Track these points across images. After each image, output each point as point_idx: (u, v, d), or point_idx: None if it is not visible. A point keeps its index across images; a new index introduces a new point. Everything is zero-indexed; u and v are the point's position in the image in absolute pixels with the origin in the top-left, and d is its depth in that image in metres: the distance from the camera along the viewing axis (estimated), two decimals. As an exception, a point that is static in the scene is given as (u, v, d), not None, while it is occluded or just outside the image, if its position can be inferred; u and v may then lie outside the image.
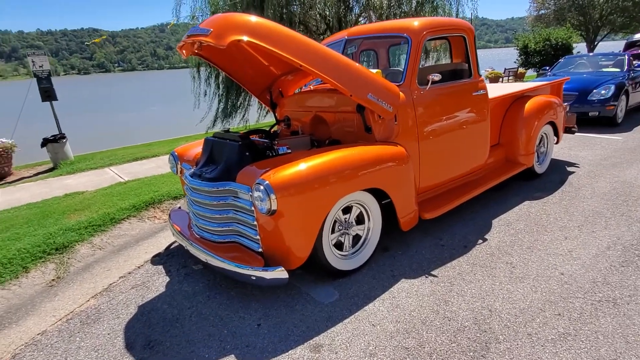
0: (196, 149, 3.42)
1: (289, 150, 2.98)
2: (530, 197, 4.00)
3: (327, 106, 3.36)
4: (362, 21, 11.58)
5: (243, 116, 12.67)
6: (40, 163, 8.19)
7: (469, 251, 3.03)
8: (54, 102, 7.76)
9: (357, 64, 2.93)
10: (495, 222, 3.51)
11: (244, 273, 2.40)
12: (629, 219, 3.36)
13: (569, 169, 4.81)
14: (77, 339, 2.32)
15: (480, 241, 3.18)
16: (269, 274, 2.35)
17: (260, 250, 2.55)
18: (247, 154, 2.73)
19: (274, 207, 2.28)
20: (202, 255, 2.69)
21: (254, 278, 2.39)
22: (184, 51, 2.92)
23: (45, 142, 7.32)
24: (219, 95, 12.92)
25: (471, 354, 2.00)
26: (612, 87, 6.59)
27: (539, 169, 4.52)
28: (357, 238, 2.90)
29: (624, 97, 6.83)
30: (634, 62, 7.64)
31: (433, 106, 3.24)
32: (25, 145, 7.52)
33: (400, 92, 3.02)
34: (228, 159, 2.76)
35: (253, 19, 2.58)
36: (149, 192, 4.75)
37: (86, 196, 4.93)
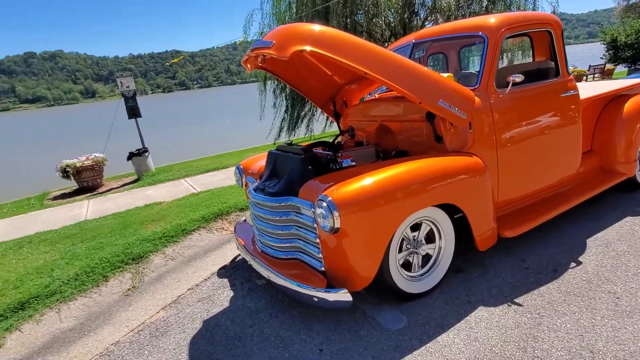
0: (261, 162, 3.42)
1: (353, 163, 2.85)
2: (633, 213, 3.42)
3: (393, 115, 3.17)
4: (428, 25, 11.16)
5: (308, 127, 12.85)
6: (126, 175, 8.97)
7: (559, 276, 2.63)
8: (138, 119, 8.48)
9: (426, 69, 2.72)
10: (590, 242, 3.03)
11: (306, 293, 2.30)
12: None
13: (685, 178, 4.06)
14: (146, 352, 2.38)
15: (573, 264, 2.75)
16: (331, 296, 2.22)
17: (322, 269, 2.44)
18: (310, 167, 2.64)
19: (337, 225, 2.15)
20: (265, 272, 2.64)
21: (316, 299, 2.27)
22: (248, 65, 2.93)
23: (130, 156, 7.99)
24: (285, 106, 13.28)
25: (570, 406, 1.68)
26: None
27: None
28: (426, 258, 2.67)
29: None
30: None
31: (514, 111, 2.90)
32: (112, 158, 8.26)
33: (476, 97, 2.74)
34: (290, 172, 2.70)
35: (316, 28, 2.51)
36: (218, 203, 4.90)
37: (163, 207, 5.23)
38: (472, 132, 2.73)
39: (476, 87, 2.82)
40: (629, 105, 3.65)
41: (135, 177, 8.26)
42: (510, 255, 2.97)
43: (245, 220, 3.75)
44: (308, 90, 3.67)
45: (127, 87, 8.19)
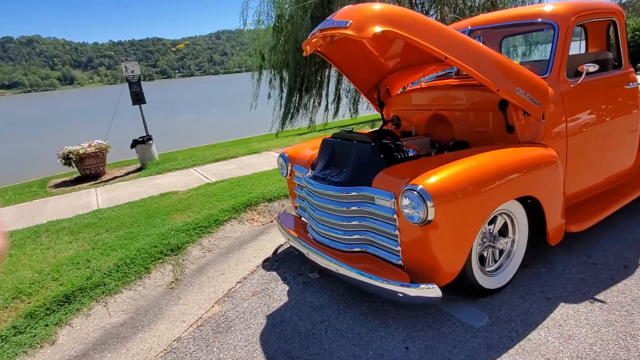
0: (308, 150, 3.26)
1: (418, 153, 2.73)
2: (685, 209, 3.41)
3: (452, 103, 3.05)
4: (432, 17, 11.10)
5: (311, 118, 12.66)
6: (127, 162, 8.63)
7: (633, 272, 2.58)
8: (138, 106, 8.12)
9: (501, 55, 2.61)
10: (652, 237, 3.00)
11: (390, 289, 2.16)
12: None
13: None
14: (215, 349, 2.22)
15: (642, 260, 2.71)
16: (420, 292, 2.10)
17: (399, 262, 2.31)
18: (382, 156, 2.50)
19: (430, 216, 2.02)
20: (332, 265, 2.49)
21: (401, 295, 2.14)
22: (308, 47, 2.76)
23: (134, 144, 7.67)
24: (286, 96, 13.04)
25: (700, 407, 1.61)
26: None
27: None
28: (499, 253, 2.57)
29: None
30: None
31: (583, 101, 2.83)
32: (113, 144, 7.89)
33: (549, 87, 2.65)
34: (358, 161, 2.55)
35: (391, 7, 2.37)
36: (243, 193, 4.71)
37: (181, 196, 5.01)
38: (545, 122, 2.64)
39: (547, 76, 2.72)
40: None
41: (137, 165, 7.95)
42: (574, 251, 2.90)
43: (285, 211, 3.58)
44: (356, 76, 3.51)
45: (132, 71, 7.83)
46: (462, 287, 2.43)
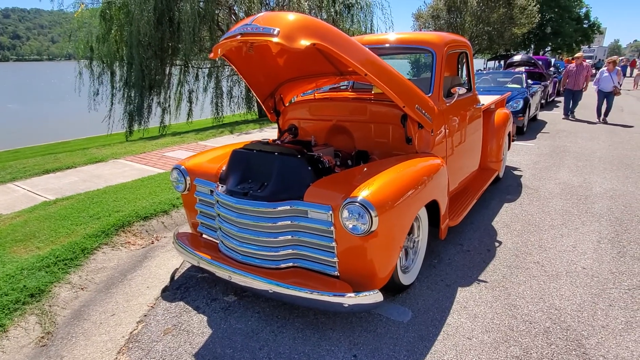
0: (211, 163, 2.97)
1: (333, 164, 2.81)
2: (506, 200, 4.47)
3: (354, 115, 3.25)
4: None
5: (162, 120, 11.51)
6: None
7: (494, 255, 3.25)
8: None
9: (402, 75, 2.91)
10: (495, 225, 3.83)
11: (335, 302, 2.17)
12: (593, 214, 4.01)
13: (515, 172, 5.52)
14: (145, 412, 1.81)
15: (496, 244, 3.44)
16: (364, 299, 2.16)
17: (335, 273, 2.34)
18: (309, 168, 2.47)
19: (374, 226, 2.11)
20: (264, 286, 2.34)
21: (346, 305, 2.17)
22: (219, 50, 2.51)
23: None
24: (125, 95, 11.54)
25: (574, 352, 2.15)
26: (521, 101, 7.79)
27: (501, 172, 5.09)
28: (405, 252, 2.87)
29: (526, 110, 8.12)
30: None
31: (454, 118, 3.40)
32: None
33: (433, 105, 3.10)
34: (284, 174, 2.46)
35: (317, 20, 2.39)
36: (107, 212, 3.97)
37: (11, 222, 3.88)
38: (433, 135, 3.08)
39: (430, 95, 3.18)
40: (497, 117, 4.73)
41: None
42: (450, 243, 3.47)
43: (179, 231, 3.16)
44: (254, 82, 3.37)
45: None
46: (384, 287, 2.62)
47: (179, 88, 11.70)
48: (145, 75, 10.40)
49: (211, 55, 2.63)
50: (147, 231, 3.81)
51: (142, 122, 11.17)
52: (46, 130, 16.08)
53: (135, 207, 4.11)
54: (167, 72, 11.65)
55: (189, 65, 11.78)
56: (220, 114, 11.87)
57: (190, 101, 11.79)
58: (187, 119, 11.60)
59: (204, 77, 12.28)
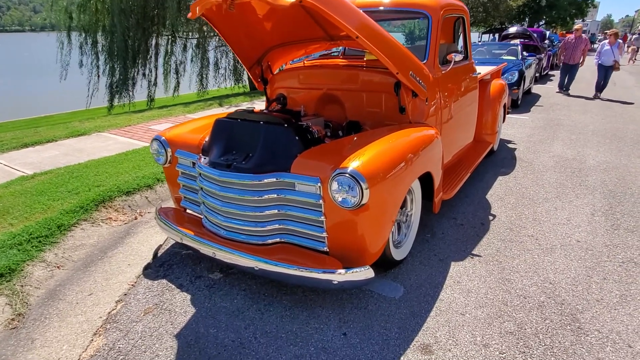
0: (193, 134, 2.79)
1: (323, 134, 2.65)
2: (500, 173, 4.38)
3: (345, 84, 3.06)
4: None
5: (149, 93, 11.13)
6: None
7: (488, 228, 3.17)
8: None
9: (397, 40, 2.72)
10: (489, 198, 3.74)
11: (324, 278, 2.06)
12: (587, 187, 3.94)
13: (510, 145, 5.42)
14: (122, 396, 1.71)
15: (490, 217, 3.35)
16: (354, 276, 2.06)
17: (324, 249, 2.23)
18: (297, 138, 2.31)
19: (365, 199, 1.98)
20: (250, 262, 2.22)
21: (336, 282, 2.07)
22: (197, 8, 2.29)
23: None
24: (107, 67, 11.10)
25: (569, 327, 2.09)
26: (516, 73, 7.61)
27: (495, 145, 4.97)
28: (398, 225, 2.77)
29: (522, 82, 7.96)
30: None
31: (449, 86, 3.24)
32: None
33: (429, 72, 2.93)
34: (270, 145, 2.31)
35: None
36: (87, 187, 3.79)
37: (-16, 198, 3.68)
38: (427, 104, 2.92)
39: (425, 62, 3.00)
40: (492, 88, 4.57)
41: None
42: (444, 217, 3.37)
43: (162, 205, 3.02)
44: (239, 48, 3.16)
45: None
46: (375, 263, 2.52)
47: (166, 59, 11.25)
48: (128, 46, 9.95)
49: (189, 15, 2.42)
50: (129, 206, 3.65)
51: (127, 95, 10.78)
52: (27, 104, 15.53)
53: (117, 181, 3.93)
54: (152, 42, 11.18)
55: (176, 36, 11.30)
56: (206, 86, 11.47)
57: (177, 73, 11.37)
58: (174, 92, 11.22)
59: (192, 48, 11.82)
